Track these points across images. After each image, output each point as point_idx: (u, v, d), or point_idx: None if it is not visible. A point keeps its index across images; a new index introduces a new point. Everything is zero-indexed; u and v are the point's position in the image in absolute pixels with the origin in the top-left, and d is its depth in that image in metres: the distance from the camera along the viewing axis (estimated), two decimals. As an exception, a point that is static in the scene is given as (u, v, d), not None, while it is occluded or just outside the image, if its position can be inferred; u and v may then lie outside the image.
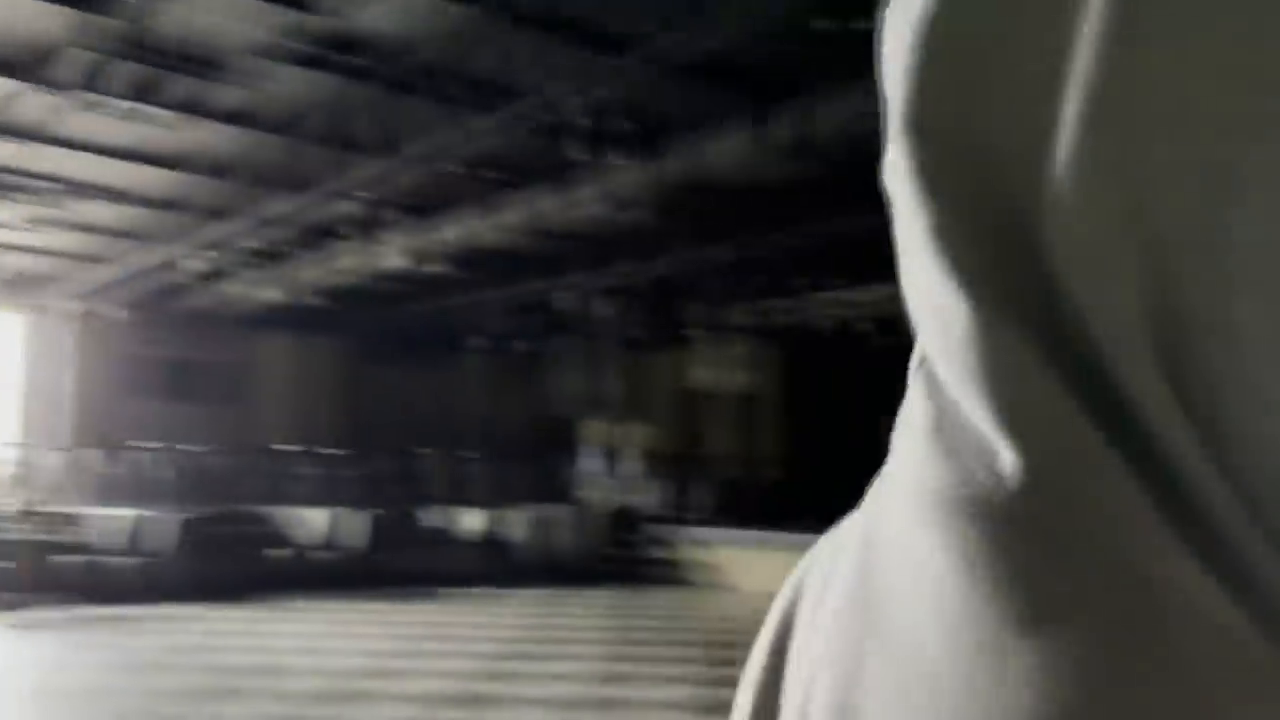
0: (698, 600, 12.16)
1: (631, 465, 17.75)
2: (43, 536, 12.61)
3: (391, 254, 12.73)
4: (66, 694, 7.65)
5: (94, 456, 15.92)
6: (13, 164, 10.55)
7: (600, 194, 10.44)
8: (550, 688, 7.83)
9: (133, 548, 12.53)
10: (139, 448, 16.27)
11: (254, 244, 13.22)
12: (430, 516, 15.63)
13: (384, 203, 11.82)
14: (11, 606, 11.04)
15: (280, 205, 11.70)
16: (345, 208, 11.87)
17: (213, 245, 13.30)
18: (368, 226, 12.50)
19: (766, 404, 17.75)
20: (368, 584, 13.06)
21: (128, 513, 13.11)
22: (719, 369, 17.72)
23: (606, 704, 7.41)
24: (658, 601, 12.67)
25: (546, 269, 14.20)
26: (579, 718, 7.02)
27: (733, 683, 0.39)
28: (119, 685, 7.79)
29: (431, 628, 10.74)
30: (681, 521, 15.63)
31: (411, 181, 10.88)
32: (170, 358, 17.26)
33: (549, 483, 17.76)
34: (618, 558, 15.04)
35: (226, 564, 12.82)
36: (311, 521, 14.43)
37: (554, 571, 14.48)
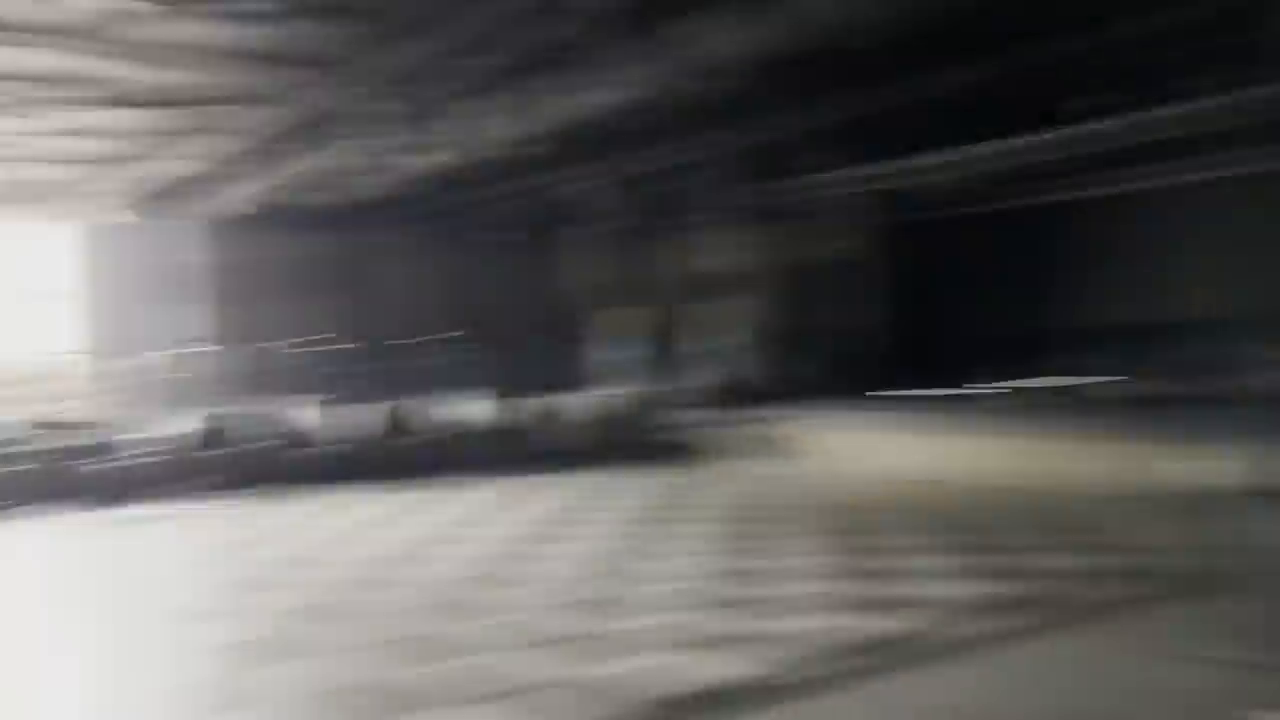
0: (813, 474, 11.85)
1: (740, 341, 17.32)
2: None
3: (493, 134, 12.50)
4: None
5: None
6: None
7: (702, 58, 10.10)
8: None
9: (287, 438, 13.23)
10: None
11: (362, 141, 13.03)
12: (547, 400, 15.36)
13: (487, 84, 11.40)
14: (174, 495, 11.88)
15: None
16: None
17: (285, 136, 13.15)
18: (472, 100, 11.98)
19: (871, 275, 17.44)
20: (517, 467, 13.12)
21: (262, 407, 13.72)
22: (822, 239, 17.26)
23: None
24: (779, 474, 12.32)
25: (645, 141, 13.86)
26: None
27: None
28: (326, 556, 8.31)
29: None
30: (790, 397, 15.12)
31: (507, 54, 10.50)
32: (290, 257, 17.71)
33: (661, 362, 17.54)
34: (731, 432, 14.38)
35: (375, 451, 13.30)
36: (438, 409, 14.58)
37: (675, 449, 14.27)
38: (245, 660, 5.43)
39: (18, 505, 11.50)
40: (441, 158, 13.92)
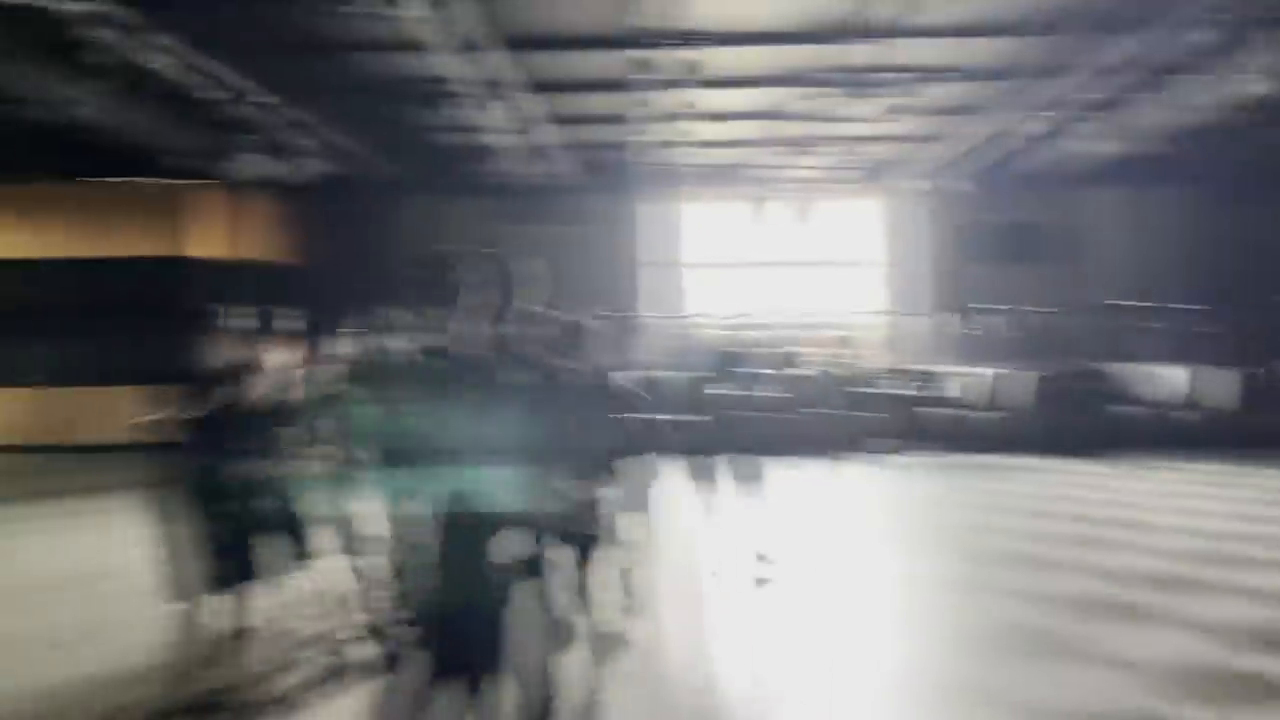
0: None
1: None
2: (910, 392, 14.70)
3: (1251, 80, 11.49)
4: (953, 525, 8.93)
5: (948, 319, 17.39)
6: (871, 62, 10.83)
7: None
8: None
9: (990, 403, 14.10)
10: (987, 310, 17.15)
11: (1091, 96, 12.51)
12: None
13: (1246, 22, 10.47)
14: (888, 451, 13.35)
15: (1118, 50, 10.96)
16: (1196, 37, 10.59)
17: (1048, 105, 12.87)
18: (1222, 54, 11.17)
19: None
20: (1233, 445, 13.07)
21: (984, 371, 14.49)
22: None
23: None
24: None
25: None
26: None
27: None
28: (997, 523, 8.81)
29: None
30: None
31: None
32: (1007, 222, 18.16)
33: None
34: None
35: (1077, 420, 13.47)
36: (1165, 379, 14.42)
37: None
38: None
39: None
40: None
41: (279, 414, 4.94)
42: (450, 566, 3.05)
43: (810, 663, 5.28)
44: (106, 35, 7.90)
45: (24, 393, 15.21)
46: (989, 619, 5.96)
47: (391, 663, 3.61)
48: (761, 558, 6.88)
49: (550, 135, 15.02)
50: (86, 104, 11.17)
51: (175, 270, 15.27)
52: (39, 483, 12.02)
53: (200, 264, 15.61)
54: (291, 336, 5.63)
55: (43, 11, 7.26)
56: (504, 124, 13.04)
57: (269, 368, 5.08)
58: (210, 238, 16.01)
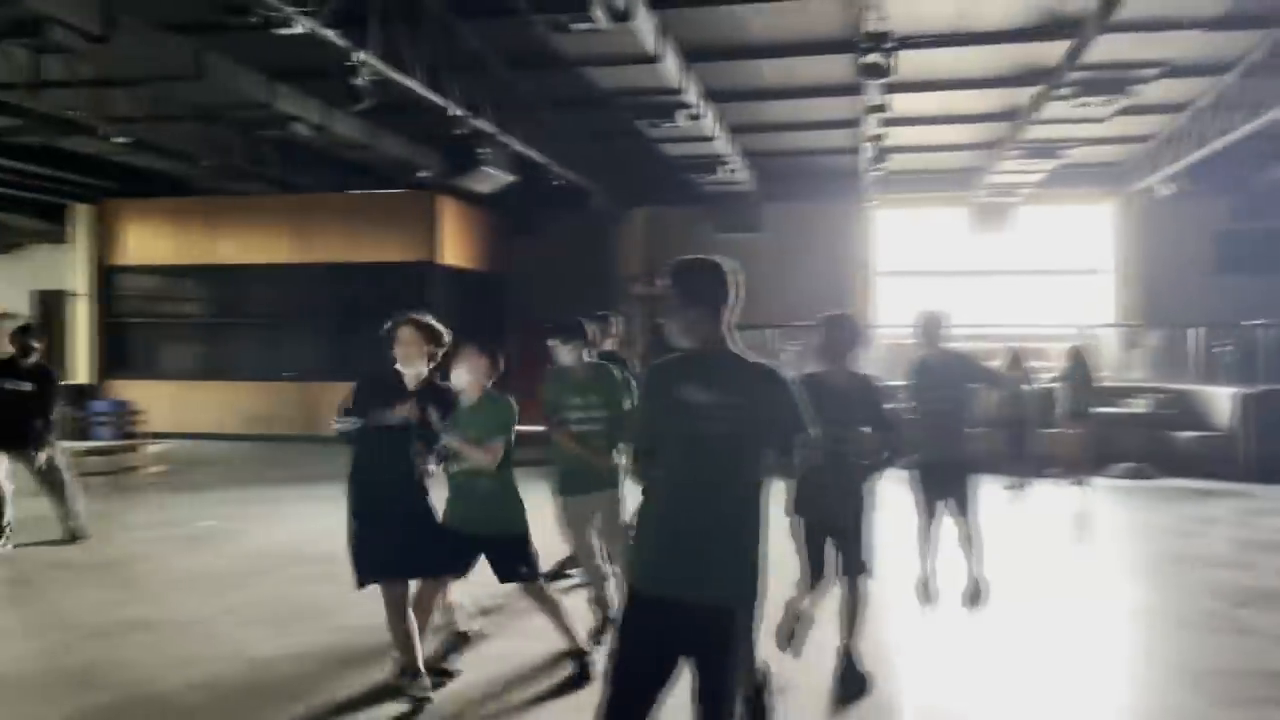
0: None
1: None
2: (1151, 410, 14.13)
3: None
4: (1196, 557, 8.32)
5: (1192, 334, 15.97)
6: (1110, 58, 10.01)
7: None
8: None
9: (1243, 427, 13.07)
10: (1239, 324, 15.60)
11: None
12: None
13: None
14: (1131, 475, 12.78)
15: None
16: None
17: None
18: None
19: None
20: None
21: (1235, 391, 13.53)
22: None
23: None
24: None
25: None
26: None
27: None
28: (1250, 559, 8.22)
29: None
30: None
31: None
32: (1263, 230, 16.88)
33: None
34: None
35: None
36: None
37: None
38: None
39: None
40: None
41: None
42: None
43: (1039, 694, 5.03)
44: (361, 58, 8.61)
45: (290, 386, 16.71)
46: (1236, 661, 5.47)
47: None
48: (977, 579, 6.60)
49: (767, 142, 15.06)
50: (345, 123, 12.24)
51: (426, 275, 16.41)
52: (293, 469, 13.17)
53: (445, 270, 16.70)
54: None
55: (309, 38, 8.00)
56: (719, 132, 13.19)
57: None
58: (453, 245, 17.09)
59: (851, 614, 4.81)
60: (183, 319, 17.95)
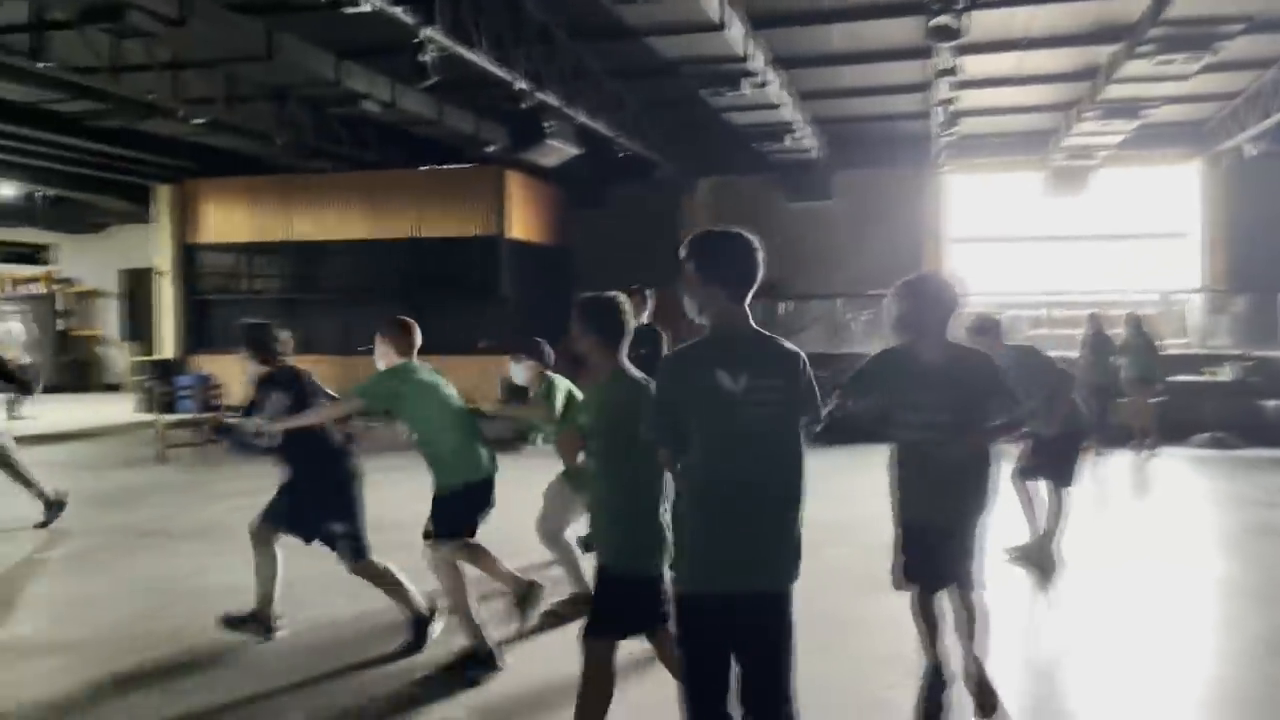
0: None
1: None
2: (1239, 378, 13.76)
3: None
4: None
5: (1257, 298, 15.59)
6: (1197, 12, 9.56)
7: None
8: None
9: None
10: None
11: None
12: None
13: None
14: (1216, 444, 12.51)
15: None
16: None
17: None
18: None
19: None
20: None
21: None
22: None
23: None
24: None
25: None
26: None
27: None
28: None
29: None
30: None
31: None
32: None
33: None
34: None
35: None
36: None
37: None
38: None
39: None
40: None
41: None
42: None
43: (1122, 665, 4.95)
44: (428, 34, 8.69)
45: (364, 360, 16.97)
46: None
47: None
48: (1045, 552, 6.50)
49: (836, 109, 14.82)
50: (413, 99, 12.37)
51: (494, 249, 16.63)
52: (369, 441, 13.42)
53: (513, 244, 16.86)
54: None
55: (376, 15, 8.10)
56: (786, 99, 13.02)
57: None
58: (520, 219, 17.23)
59: (969, 631, 4.07)
60: (260, 295, 18.41)
